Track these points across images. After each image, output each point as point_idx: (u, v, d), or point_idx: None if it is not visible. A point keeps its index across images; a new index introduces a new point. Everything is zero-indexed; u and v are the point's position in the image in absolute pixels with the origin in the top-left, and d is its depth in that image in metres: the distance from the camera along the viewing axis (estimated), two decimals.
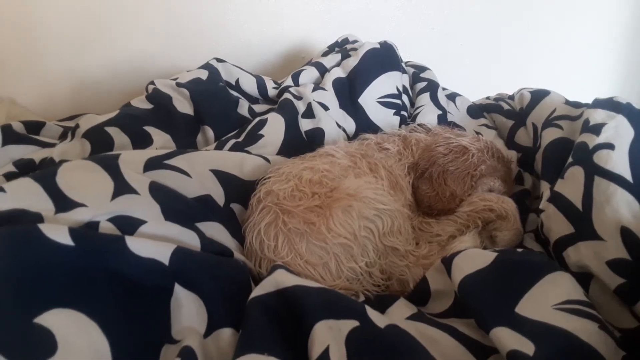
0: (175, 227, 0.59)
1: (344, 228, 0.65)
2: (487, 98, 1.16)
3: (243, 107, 1.03)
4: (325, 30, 1.47)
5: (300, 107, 1.02)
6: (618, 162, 0.69)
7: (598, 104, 0.85)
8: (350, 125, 1.04)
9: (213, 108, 0.95)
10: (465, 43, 1.62)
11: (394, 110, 1.07)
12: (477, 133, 1.05)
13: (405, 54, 1.28)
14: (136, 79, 1.28)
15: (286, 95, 1.05)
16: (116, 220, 0.57)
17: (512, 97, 1.09)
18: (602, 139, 0.74)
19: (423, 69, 1.22)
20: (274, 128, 0.92)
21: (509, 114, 1.05)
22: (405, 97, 1.12)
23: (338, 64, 1.14)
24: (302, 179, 0.72)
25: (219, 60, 1.13)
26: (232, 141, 0.89)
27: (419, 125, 1.01)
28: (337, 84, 1.07)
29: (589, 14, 1.65)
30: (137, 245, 0.53)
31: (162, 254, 0.54)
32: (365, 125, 1.05)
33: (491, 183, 0.84)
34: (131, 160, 0.67)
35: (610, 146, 0.72)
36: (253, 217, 0.70)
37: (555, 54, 1.68)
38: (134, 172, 0.65)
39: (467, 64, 1.59)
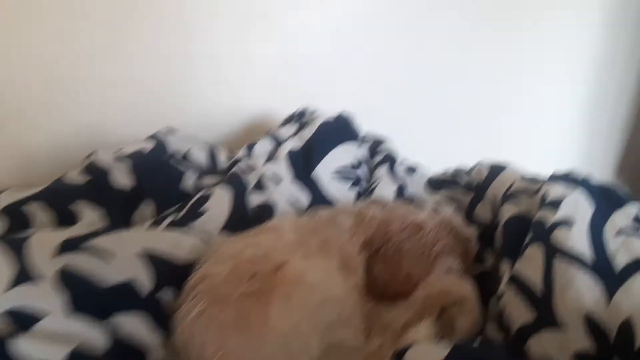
0: (80, 323, 0.51)
1: (283, 321, 0.58)
2: (447, 171, 1.14)
3: (188, 181, 0.98)
4: (288, 101, 1.46)
5: (251, 180, 0.98)
6: (578, 240, 0.66)
7: (556, 178, 0.83)
8: (304, 198, 1.00)
9: (154, 182, 0.90)
10: (427, 115, 1.63)
11: (350, 183, 1.04)
12: (436, 207, 1.02)
13: (366, 126, 1.27)
14: (90, 151, 1.22)
15: (236, 167, 1.01)
16: (10, 315, 0.49)
17: (470, 171, 1.07)
18: (560, 215, 0.71)
19: (382, 140, 1.21)
20: (218, 203, 0.86)
21: (468, 188, 1.02)
22: (362, 170, 1.09)
23: (294, 135, 1.12)
24: (242, 258, 0.65)
25: (170, 130, 1.10)
26: (171, 218, 0.82)
27: (375, 199, 0.97)
28: (292, 155, 1.04)
29: (546, 87, 1.70)
30: (26, 346, 0.45)
31: (54, 357, 0.46)
32: (320, 198, 1.01)
33: (449, 263, 0.79)
34: (45, 241, 0.60)
35: (569, 223, 0.69)
36: (184, 306, 0.63)
37: (515, 127, 1.71)
38: (45, 255, 0.58)
39: (428, 136, 1.60)
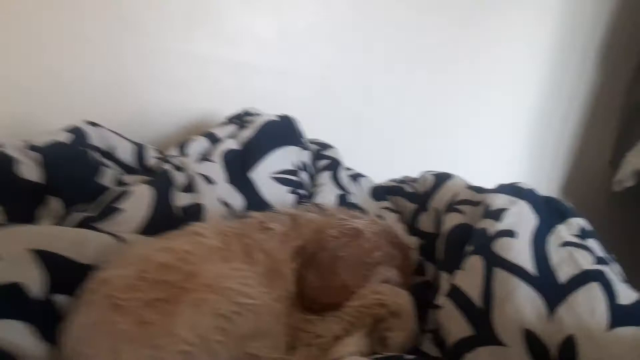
0: None
1: (191, 330, 0.51)
2: (392, 180, 1.11)
3: (106, 176, 0.89)
4: (234, 105, 1.40)
5: (180, 179, 0.91)
6: (520, 251, 0.62)
7: (500, 188, 0.80)
8: (238, 202, 0.93)
9: (66, 175, 0.80)
10: (375, 128, 1.60)
11: (289, 188, 0.97)
12: (379, 216, 0.97)
13: (314, 133, 1.22)
14: None
15: (165, 165, 0.93)
16: None
17: (416, 180, 1.04)
18: (503, 225, 0.68)
19: (327, 146, 1.16)
20: (138, 202, 0.78)
21: (412, 197, 0.99)
22: (304, 175, 1.04)
23: (233, 136, 1.05)
24: (151, 263, 0.58)
25: (92, 123, 1.00)
26: (82, 215, 0.74)
27: (314, 205, 0.91)
28: (228, 156, 0.97)
29: (499, 102, 1.71)
30: None
31: None
32: (256, 202, 0.94)
33: (387, 273, 0.74)
34: None
35: (511, 233, 0.66)
36: (77, 312, 0.54)
37: (468, 130, 1.70)
38: None
39: (375, 149, 1.57)
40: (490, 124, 1.73)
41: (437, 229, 0.87)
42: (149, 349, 0.49)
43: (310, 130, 1.25)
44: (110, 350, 0.50)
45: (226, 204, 0.91)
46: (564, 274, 0.58)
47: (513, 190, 0.77)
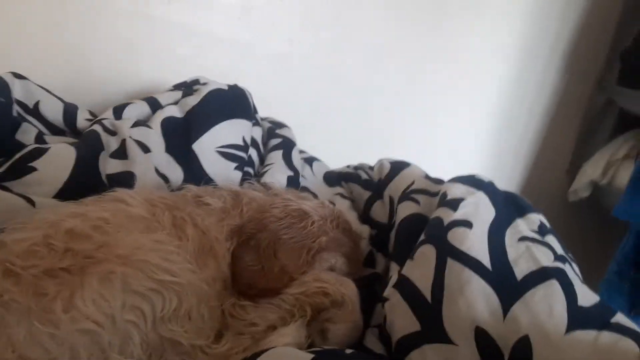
0: None
1: (96, 306, 0.44)
2: (348, 166, 1.06)
3: (28, 134, 0.80)
4: (188, 75, 1.32)
5: (112, 143, 0.83)
6: (475, 243, 0.59)
7: (459, 179, 0.77)
8: (176, 174, 0.86)
9: None
10: (338, 115, 1.55)
11: (235, 164, 0.91)
12: (331, 203, 0.93)
13: (271, 112, 1.16)
14: None
15: (95, 126, 0.84)
16: None
17: (372, 167, 0.99)
18: (459, 215, 0.64)
19: (281, 125, 1.10)
20: (56, 162, 0.70)
21: (367, 185, 0.94)
22: (253, 152, 0.98)
23: (176, 103, 0.97)
24: (59, 228, 0.50)
25: (17, 75, 0.90)
26: None
27: (261, 183, 0.86)
28: (169, 123, 0.90)
29: (459, 104, 1.70)
30: None
31: None
32: (196, 176, 0.87)
33: (332, 260, 0.70)
34: None
35: (467, 224, 0.62)
36: None
37: (428, 130, 1.68)
38: None
39: (336, 137, 1.52)
40: (449, 126, 1.72)
41: (391, 219, 0.83)
42: (44, 324, 0.42)
43: (268, 108, 1.19)
44: None
45: (163, 176, 0.83)
46: (521, 270, 0.55)
47: (472, 181, 0.74)
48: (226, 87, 0.97)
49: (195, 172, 0.87)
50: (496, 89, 1.74)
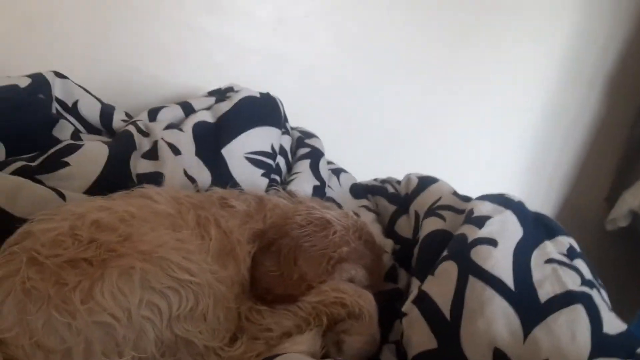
0: None
1: (114, 300, 0.45)
2: (375, 179, 1.06)
3: (65, 131, 0.83)
4: (221, 82, 1.35)
5: (144, 144, 0.85)
6: (500, 261, 0.57)
7: (487, 197, 0.75)
8: (204, 177, 0.87)
9: (13, 122, 0.74)
10: (366, 122, 1.55)
11: (263, 171, 0.92)
12: (355, 214, 0.92)
13: (300, 122, 1.18)
14: None
15: (129, 127, 0.87)
16: None
17: (399, 182, 0.99)
18: (484, 232, 0.63)
19: (310, 135, 1.11)
20: (89, 158, 0.72)
21: (393, 199, 0.94)
22: (281, 160, 0.99)
23: (209, 108, 0.99)
24: (86, 219, 0.52)
25: (58, 74, 0.94)
26: (21, 163, 0.67)
27: (286, 191, 0.86)
28: (200, 128, 0.92)
29: (498, 125, 1.67)
30: None
31: None
32: (223, 180, 0.88)
33: (353, 271, 0.69)
34: None
35: (492, 242, 0.61)
36: None
37: (461, 151, 1.66)
38: None
39: (364, 143, 1.52)
40: (486, 147, 1.69)
41: (416, 234, 0.83)
42: (62, 314, 0.44)
43: (298, 119, 1.20)
44: (16, 308, 0.44)
45: (191, 178, 0.85)
46: (545, 292, 0.53)
47: (501, 200, 0.72)
48: (258, 95, 0.99)
49: (222, 176, 0.88)
50: (534, 114, 1.71)
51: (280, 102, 1.04)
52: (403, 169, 1.47)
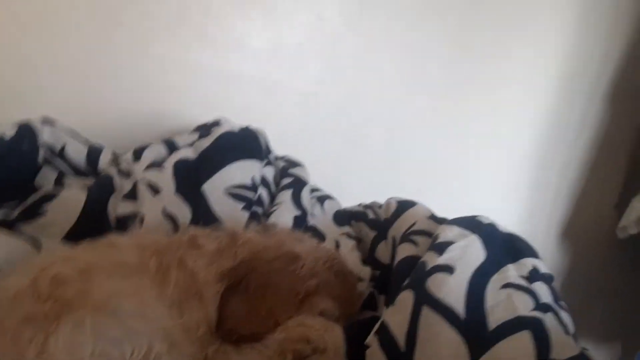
0: None
1: (68, 351, 0.48)
2: (359, 205, 1.08)
3: (49, 178, 0.88)
4: (219, 114, 1.39)
5: (125, 185, 0.89)
6: (453, 289, 0.59)
7: (458, 220, 0.77)
8: (184, 213, 0.91)
9: None
10: (367, 147, 1.57)
11: (243, 204, 0.95)
12: (337, 242, 0.95)
13: (299, 149, 1.22)
14: None
15: (110, 170, 0.91)
16: None
17: (381, 206, 1.01)
18: (443, 259, 0.64)
19: (295, 164, 1.14)
20: (66, 205, 0.77)
21: (373, 224, 0.96)
22: (264, 191, 1.01)
23: (192, 144, 1.03)
24: (47, 273, 0.55)
25: (46, 120, 1.00)
26: (1, 212, 0.72)
27: (264, 224, 0.89)
28: (182, 165, 0.96)
29: (500, 138, 1.67)
30: None
31: None
32: (204, 216, 0.92)
33: (322, 304, 0.71)
34: None
35: (449, 269, 0.62)
36: None
37: (461, 167, 1.66)
38: None
39: (362, 165, 1.54)
40: (489, 161, 1.69)
41: (393, 260, 0.84)
42: None
43: (296, 144, 1.25)
44: None
45: (171, 216, 0.89)
46: (495, 319, 0.54)
47: (469, 223, 0.73)
48: (237, 130, 1.02)
49: (202, 212, 0.92)
50: (537, 122, 1.70)
51: (262, 134, 1.07)
52: (403, 189, 1.49)
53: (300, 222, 0.97)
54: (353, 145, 1.53)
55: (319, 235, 0.96)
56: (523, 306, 0.56)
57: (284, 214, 0.96)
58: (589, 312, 1.77)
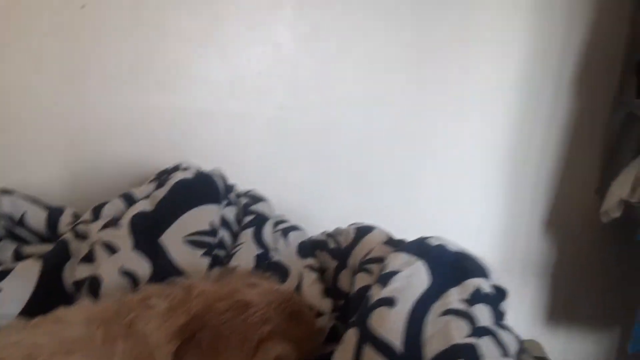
0: None
1: None
2: (323, 233, 1.09)
3: (6, 252, 0.89)
4: (191, 153, 1.41)
5: (82, 249, 0.91)
6: (394, 323, 0.60)
7: (407, 246, 0.78)
8: (144, 269, 0.92)
9: None
10: (338, 164, 1.59)
11: (203, 250, 0.96)
12: (301, 275, 0.96)
13: (271, 174, 1.31)
14: None
15: (67, 235, 0.93)
16: None
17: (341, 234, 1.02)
18: (386, 292, 0.66)
19: (257, 199, 1.15)
20: (20, 279, 0.78)
21: (335, 253, 0.97)
22: (225, 233, 1.03)
23: (149, 196, 1.05)
24: None
25: (4, 191, 1.02)
26: None
27: (224, 269, 0.90)
28: (138, 219, 0.97)
29: (470, 135, 1.68)
30: None
31: None
32: (165, 268, 0.93)
33: (278, 348, 0.72)
34: None
35: (391, 302, 0.63)
36: None
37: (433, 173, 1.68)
38: None
39: (333, 185, 1.55)
40: (464, 163, 1.70)
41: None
42: None
43: (266, 171, 1.33)
44: None
45: (129, 274, 0.90)
46: (431, 349, 0.55)
47: (416, 248, 0.75)
48: (191, 176, 1.04)
49: (163, 265, 0.93)
50: (506, 123, 1.71)
51: (218, 175, 1.09)
52: (377, 207, 1.51)
53: (263, 260, 0.98)
54: (322, 168, 1.55)
55: (283, 271, 0.96)
56: (458, 333, 0.56)
57: (246, 254, 0.98)
58: (583, 299, 1.77)
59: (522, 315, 1.72)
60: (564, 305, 1.78)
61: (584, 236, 1.82)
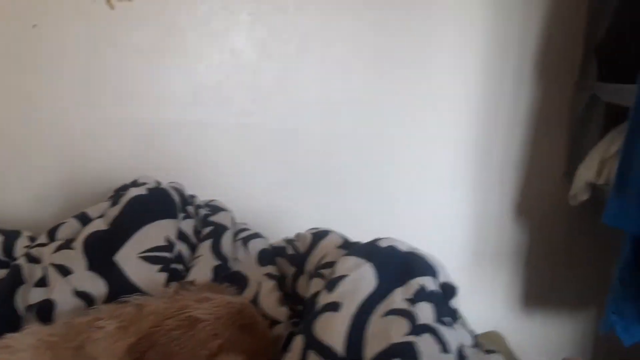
0: None
1: None
2: (283, 239, 1.09)
3: None
4: (158, 164, 1.41)
5: (36, 273, 0.90)
6: (336, 329, 0.61)
7: (355, 250, 0.78)
8: (100, 288, 0.91)
9: None
10: (304, 168, 1.59)
11: (159, 266, 0.96)
12: (259, 284, 0.96)
13: (238, 181, 1.33)
14: None
15: (20, 260, 0.92)
16: None
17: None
18: (332, 296, 0.66)
19: (217, 210, 1.15)
20: None
21: (293, 260, 0.97)
22: (182, 246, 1.03)
23: (103, 215, 1.04)
24: None
25: None
26: None
27: (179, 284, 0.90)
28: (92, 239, 0.97)
29: (434, 125, 1.69)
30: None
31: None
32: (121, 287, 0.92)
33: None
34: None
35: (336, 306, 0.64)
36: None
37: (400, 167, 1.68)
38: None
39: (305, 186, 1.55)
40: (430, 155, 1.71)
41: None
42: None
43: (232, 179, 1.34)
44: None
45: (84, 295, 0.89)
46: (371, 350, 0.56)
47: (365, 251, 0.75)
48: (145, 192, 1.03)
49: (118, 283, 0.93)
50: (470, 113, 1.72)
51: (175, 189, 1.09)
52: (345, 208, 1.51)
53: (221, 271, 0.98)
54: (288, 172, 1.55)
55: (242, 280, 0.97)
56: (397, 332, 0.57)
57: (203, 267, 0.98)
58: (558, 283, 1.80)
59: (498, 303, 1.74)
60: (539, 290, 1.80)
61: (555, 220, 1.84)
